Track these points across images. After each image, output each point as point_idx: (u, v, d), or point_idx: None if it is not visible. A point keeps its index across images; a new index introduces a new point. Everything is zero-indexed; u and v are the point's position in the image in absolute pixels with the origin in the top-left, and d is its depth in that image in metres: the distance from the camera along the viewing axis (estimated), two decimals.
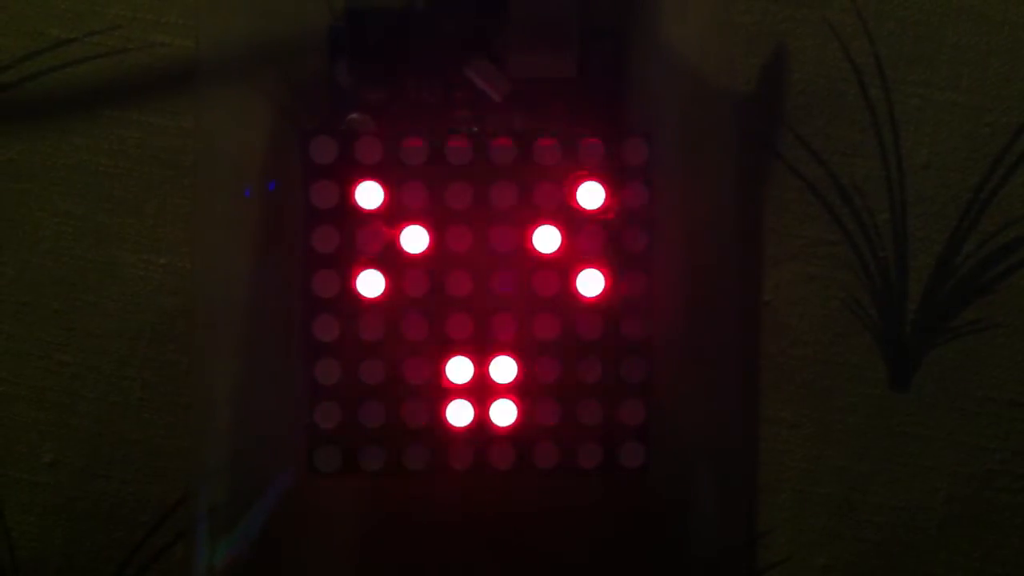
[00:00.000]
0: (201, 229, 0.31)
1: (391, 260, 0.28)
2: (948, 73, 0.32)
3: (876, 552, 0.32)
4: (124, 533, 0.32)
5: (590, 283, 0.29)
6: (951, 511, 0.32)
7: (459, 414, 0.29)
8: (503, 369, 0.29)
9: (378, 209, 0.28)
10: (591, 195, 0.29)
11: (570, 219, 0.29)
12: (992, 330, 0.32)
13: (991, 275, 0.32)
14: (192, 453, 0.31)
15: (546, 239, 0.28)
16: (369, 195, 0.28)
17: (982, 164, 0.32)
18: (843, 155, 0.32)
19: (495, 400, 0.29)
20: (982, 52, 0.32)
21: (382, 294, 0.28)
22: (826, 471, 0.32)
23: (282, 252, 0.30)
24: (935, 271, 0.32)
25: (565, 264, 0.29)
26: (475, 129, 0.30)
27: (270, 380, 0.30)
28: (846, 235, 0.32)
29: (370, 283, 0.28)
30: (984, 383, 0.32)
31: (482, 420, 0.29)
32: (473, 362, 0.28)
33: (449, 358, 0.28)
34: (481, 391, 0.29)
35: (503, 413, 0.29)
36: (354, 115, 0.29)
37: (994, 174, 0.32)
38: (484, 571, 0.32)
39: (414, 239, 0.28)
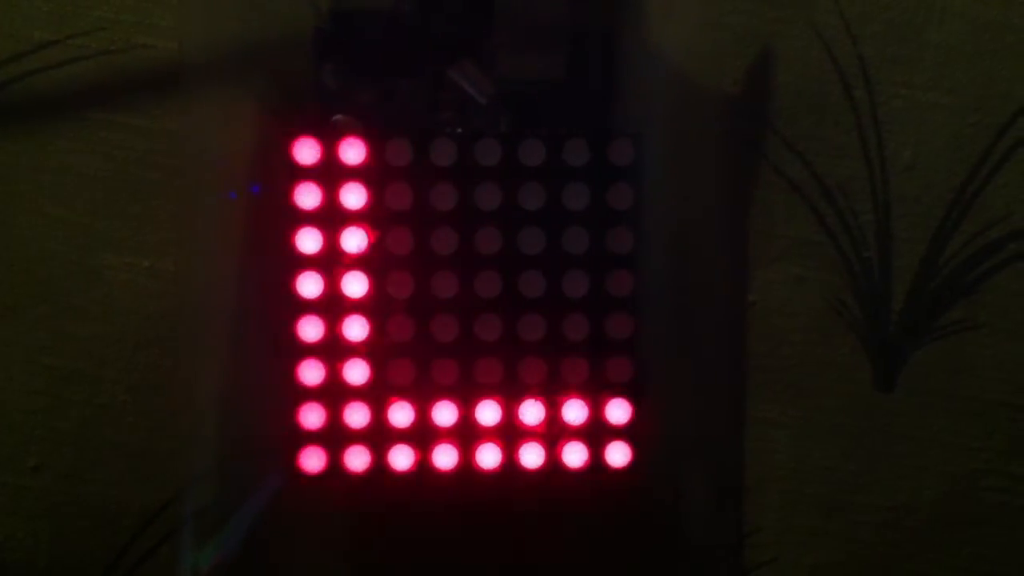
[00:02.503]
0: (186, 231, 0.31)
1: (375, 261, 0.28)
2: (931, 74, 0.32)
3: (863, 551, 0.32)
4: (110, 536, 0.32)
5: (576, 284, 0.29)
6: (938, 510, 0.32)
7: (445, 415, 0.29)
8: (489, 370, 0.29)
9: (362, 210, 0.28)
10: (577, 195, 0.29)
11: (556, 219, 0.29)
12: (976, 330, 0.32)
13: (975, 275, 0.32)
14: (177, 456, 0.31)
15: (532, 240, 0.28)
16: (353, 196, 0.28)
17: (965, 165, 0.32)
18: (828, 156, 0.32)
19: (481, 401, 0.29)
20: (965, 53, 0.32)
21: (366, 295, 0.28)
22: (813, 471, 0.32)
23: (266, 254, 0.30)
24: (919, 271, 0.32)
25: (551, 264, 0.29)
26: (460, 130, 0.30)
27: (255, 382, 0.30)
28: (831, 236, 0.32)
29: (354, 284, 0.28)
30: (969, 383, 0.32)
31: (468, 421, 0.29)
32: (458, 363, 0.28)
33: (434, 359, 0.28)
34: (467, 392, 0.29)
35: (489, 414, 0.29)
36: (339, 116, 0.29)
37: (977, 175, 0.32)
38: (471, 572, 0.31)
39: (398, 240, 0.28)
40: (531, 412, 0.29)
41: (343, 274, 0.28)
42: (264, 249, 0.30)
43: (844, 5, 0.32)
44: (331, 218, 0.28)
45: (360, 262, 0.28)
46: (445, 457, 0.29)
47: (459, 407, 0.28)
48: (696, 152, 0.31)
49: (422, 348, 0.28)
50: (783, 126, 0.32)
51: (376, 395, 0.28)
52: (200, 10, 0.30)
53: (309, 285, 0.28)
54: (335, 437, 0.28)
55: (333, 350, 0.28)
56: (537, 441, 0.29)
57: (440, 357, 0.28)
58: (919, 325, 0.32)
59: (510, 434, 0.29)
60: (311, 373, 0.28)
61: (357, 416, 0.28)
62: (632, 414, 0.29)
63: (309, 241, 0.28)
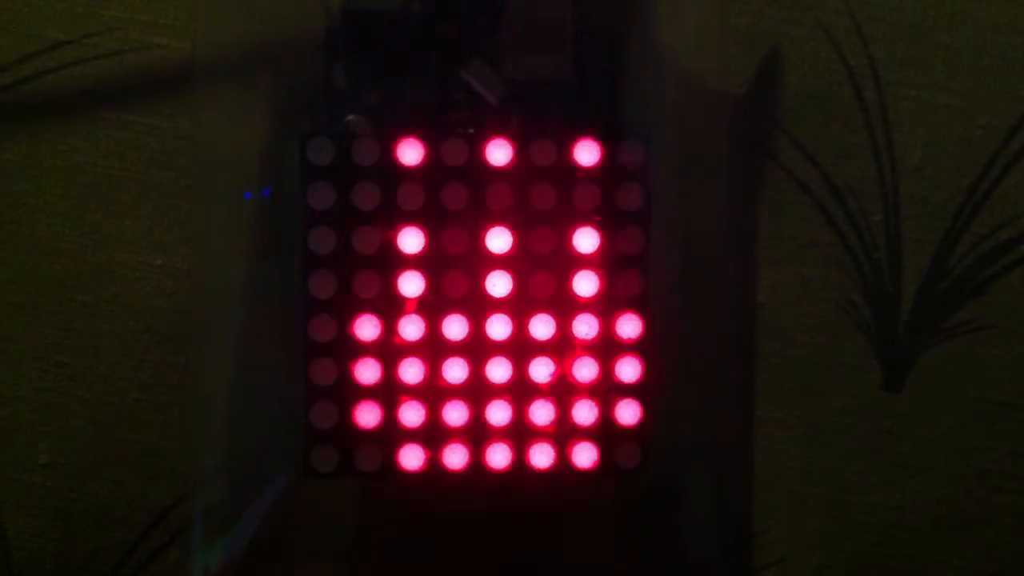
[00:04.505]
0: (198, 230, 0.31)
1: (387, 261, 0.28)
2: (941, 75, 0.32)
3: (870, 552, 0.32)
4: (120, 534, 0.32)
5: (586, 284, 0.29)
6: (944, 511, 0.32)
7: (455, 415, 0.29)
8: (499, 370, 0.29)
9: (374, 210, 0.28)
10: (587, 196, 0.29)
11: (566, 220, 0.29)
12: (985, 331, 0.32)
13: (984, 276, 0.32)
14: (188, 454, 0.31)
15: (543, 239, 0.29)
16: (366, 196, 0.28)
17: (975, 166, 0.32)
18: (837, 156, 0.32)
19: (491, 401, 0.29)
20: (975, 54, 0.32)
21: (378, 295, 0.28)
22: (820, 471, 0.32)
23: (279, 253, 0.30)
24: (928, 272, 0.32)
25: (561, 264, 0.29)
26: (471, 131, 0.30)
27: (266, 381, 0.30)
28: (840, 236, 0.32)
29: (366, 284, 0.28)
30: (977, 384, 0.32)
31: (478, 421, 0.29)
32: (469, 363, 0.28)
33: (444, 359, 0.28)
34: (477, 392, 0.29)
35: (499, 414, 0.29)
36: (351, 117, 0.29)
37: (987, 176, 0.32)
38: (480, 571, 0.32)
39: (410, 240, 0.28)
40: (541, 412, 0.29)
41: (355, 274, 0.28)
42: (277, 248, 0.30)
43: (854, 6, 0.32)
44: (344, 218, 0.28)
45: (371, 262, 0.28)
46: (455, 456, 0.29)
47: (470, 407, 0.29)
48: (704, 153, 0.31)
49: (433, 348, 0.28)
50: (792, 126, 0.32)
51: (387, 395, 0.28)
52: (212, 10, 0.30)
53: (322, 284, 0.28)
54: (346, 436, 0.28)
55: (345, 349, 0.28)
56: (547, 441, 0.29)
57: (451, 357, 0.28)
58: (928, 326, 0.32)
59: (520, 434, 0.29)
60: (323, 372, 0.28)
61: (367, 415, 0.28)
62: (642, 415, 0.29)
63: (322, 241, 0.28)
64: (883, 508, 0.32)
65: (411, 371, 0.28)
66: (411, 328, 0.28)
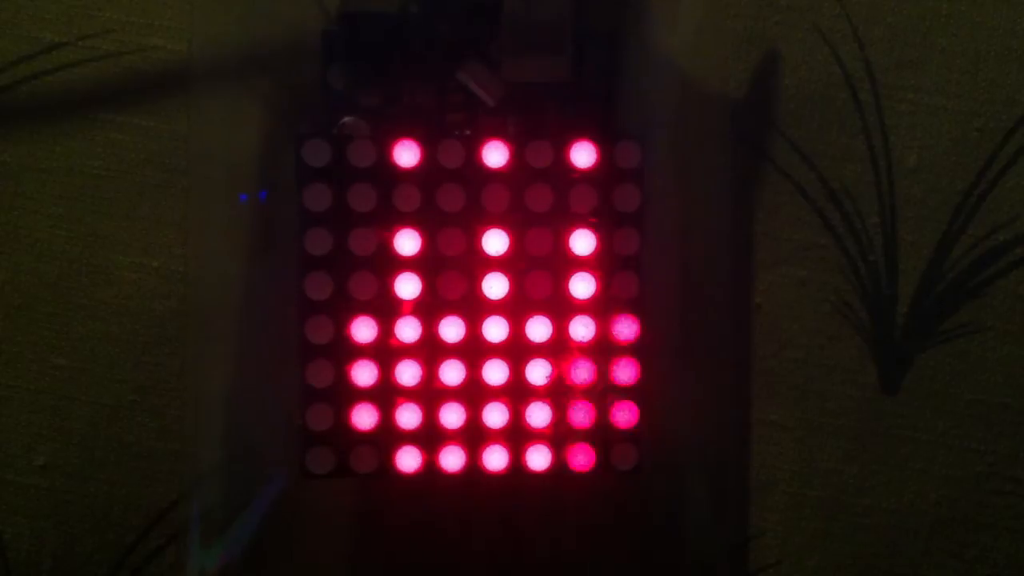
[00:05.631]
0: (194, 232, 0.31)
1: (383, 263, 0.28)
2: (937, 78, 0.32)
3: (867, 554, 0.32)
4: (116, 536, 0.32)
5: (582, 285, 0.29)
6: (941, 513, 0.32)
7: (452, 417, 0.29)
8: (496, 372, 0.29)
9: (371, 212, 0.28)
10: (583, 198, 0.29)
11: (563, 222, 0.29)
12: (982, 333, 0.32)
13: (981, 278, 0.32)
14: (185, 456, 0.31)
15: (539, 241, 0.29)
16: (362, 198, 0.28)
17: (971, 168, 0.32)
18: (833, 159, 0.32)
19: (488, 403, 0.29)
20: (971, 57, 0.32)
21: (374, 297, 0.28)
22: (817, 473, 0.32)
23: (275, 255, 0.30)
24: (925, 274, 0.32)
25: (557, 266, 0.29)
26: (468, 132, 0.30)
27: (263, 383, 0.30)
28: (836, 239, 0.32)
29: (362, 286, 0.28)
30: (974, 386, 0.32)
31: (475, 423, 0.29)
32: (465, 365, 0.29)
33: (441, 361, 0.28)
34: (474, 394, 0.29)
35: (496, 416, 0.29)
36: (347, 119, 0.29)
37: (983, 178, 0.32)
38: (477, 574, 0.32)
39: (407, 242, 0.28)
40: (538, 414, 0.29)
41: (351, 276, 0.28)
42: (273, 250, 0.30)
43: (850, 9, 0.32)
44: (340, 219, 0.28)
45: (368, 264, 0.28)
46: (452, 459, 0.29)
47: (466, 409, 0.29)
48: (701, 155, 0.31)
49: (430, 350, 0.28)
50: (788, 129, 0.32)
51: (384, 397, 0.28)
52: (209, 12, 0.30)
53: (318, 286, 0.28)
54: (343, 438, 0.28)
55: (341, 351, 0.28)
56: (543, 443, 0.29)
57: (447, 359, 0.28)
58: (925, 328, 0.32)
59: (517, 436, 0.29)
60: (319, 374, 0.28)
61: (364, 417, 0.28)
62: (638, 417, 0.29)
63: (318, 242, 0.28)
64: (880, 510, 0.32)
65: (407, 373, 0.28)
66: (407, 330, 0.28)
